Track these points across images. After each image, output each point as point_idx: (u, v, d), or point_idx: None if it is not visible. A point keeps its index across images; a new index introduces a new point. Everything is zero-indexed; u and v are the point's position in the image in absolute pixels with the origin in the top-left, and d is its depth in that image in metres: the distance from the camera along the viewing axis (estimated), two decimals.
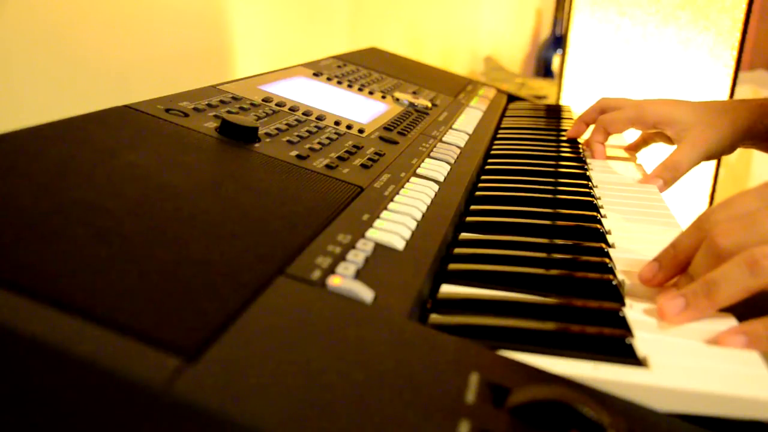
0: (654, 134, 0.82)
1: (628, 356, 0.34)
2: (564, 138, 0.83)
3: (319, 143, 0.55)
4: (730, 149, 0.75)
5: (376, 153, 0.58)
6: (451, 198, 0.54)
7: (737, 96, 1.31)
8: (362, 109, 0.72)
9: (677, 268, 0.43)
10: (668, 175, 0.71)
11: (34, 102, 0.71)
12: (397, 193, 0.50)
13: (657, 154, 0.81)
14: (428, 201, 0.50)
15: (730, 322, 0.39)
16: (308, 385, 0.25)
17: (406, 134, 0.67)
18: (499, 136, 0.84)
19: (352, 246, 0.39)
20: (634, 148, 0.86)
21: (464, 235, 0.50)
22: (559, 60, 1.38)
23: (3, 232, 0.29)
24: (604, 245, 0.48)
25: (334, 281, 0.34)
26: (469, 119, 0.83)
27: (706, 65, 1.27)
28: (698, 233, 0.43)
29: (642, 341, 0.36)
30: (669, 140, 0.80)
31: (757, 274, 0.37)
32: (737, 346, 0.37)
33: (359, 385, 0.26)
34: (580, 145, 0.80)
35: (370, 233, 0.41)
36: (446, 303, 0.39)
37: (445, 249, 0.47)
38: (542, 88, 2.05)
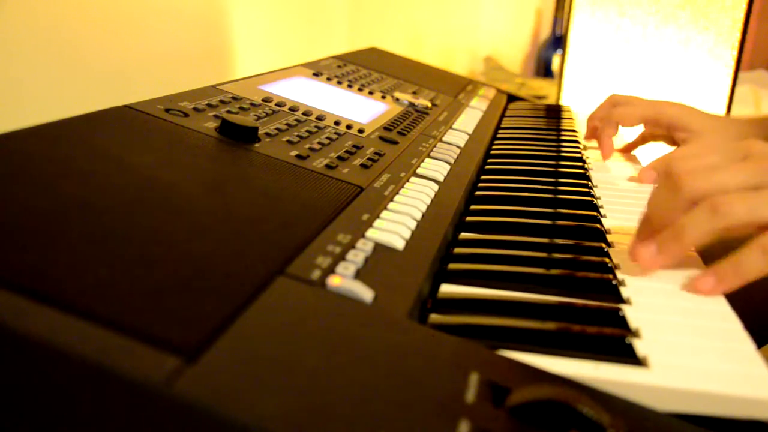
0: (656, 133, 0.82)
1: (628, 356, 0.34)
2: (564, 138, 0.83)
3: (318, 143, 0.55)
4: None
5: (376, 153, 0.58)
6: (451, 198, 0.54)
7: (737, 96, 1.31)
8: (362, 109, 0.72)
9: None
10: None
11: (34, 102, 0.71)
12: (397, 193, 0.50)
13: (657, 152, 0.81)
14: (428, 201, 0.50)
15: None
16: (308, 385, 0.25)
17: (406, 134, 0.67)
18: (499, 136, 0.84)
19: (352, 246, 0.39)
20: (633, 146, 0.86)
21: (464, 235, 0.50)
22: (559, 60, 1.38)
23: (3, 232, 0.29)
24: (604, 245, 0.48)
25: (334, 281, 0.34)
26: (469, 119, 0.83)
27: (706, 65, 1.27)
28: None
29: (643, 341, 0.36)
30: (672, 142, 0.80)
31: (718, 216, 0.42)
32: (707, 288, 0.42)
33: (359, 384, 0.26)
34: (580, 145, 0.80)
35: (370, 233, 0.41)
36: (446, 303, 0.39)
37: (445, 249, 0.47)
38: (542, 88, 2.05)
